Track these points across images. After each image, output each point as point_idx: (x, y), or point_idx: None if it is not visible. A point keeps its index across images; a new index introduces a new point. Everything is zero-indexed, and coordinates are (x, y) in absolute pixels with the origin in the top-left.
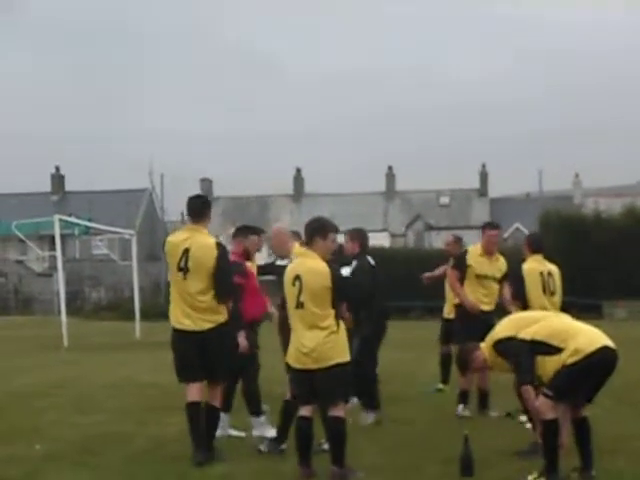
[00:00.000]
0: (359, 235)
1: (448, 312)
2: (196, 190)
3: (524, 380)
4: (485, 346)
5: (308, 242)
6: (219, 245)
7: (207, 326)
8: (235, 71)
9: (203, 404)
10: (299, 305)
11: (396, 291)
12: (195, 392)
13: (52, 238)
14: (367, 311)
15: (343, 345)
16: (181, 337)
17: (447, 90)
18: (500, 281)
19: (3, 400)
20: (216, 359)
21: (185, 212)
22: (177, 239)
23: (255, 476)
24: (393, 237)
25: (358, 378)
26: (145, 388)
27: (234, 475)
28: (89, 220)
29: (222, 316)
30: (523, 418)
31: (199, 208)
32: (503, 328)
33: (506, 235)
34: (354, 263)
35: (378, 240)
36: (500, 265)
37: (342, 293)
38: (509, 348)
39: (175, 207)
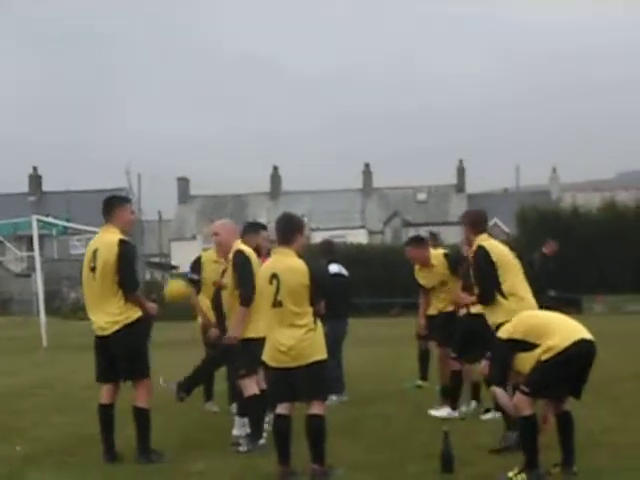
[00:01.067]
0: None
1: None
2: (173, 189)
3: (494, 380)
4: None
5: (287, 239)
6: (122, 242)
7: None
8: (210, 69)
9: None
10: (277, 304)
11: (374, 288)
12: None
13: (30, 238)
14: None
15: (321, 342)
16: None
17: (426, 87)
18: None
19: None
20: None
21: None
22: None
23: (234, 474)
24: (371, 234)
25: None
26: (125, 388)
27: (213, 472)
28: (67, 220)
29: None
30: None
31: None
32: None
33: None
34: None
35: (356, 237)
36: (439, 269)
37: (321, 290)
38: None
39: (152, 206)
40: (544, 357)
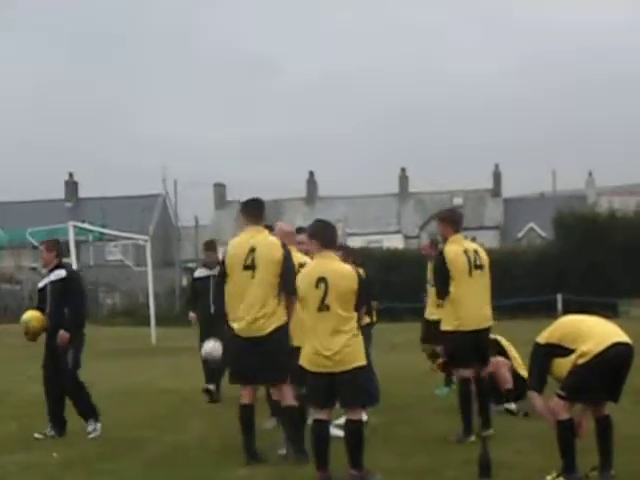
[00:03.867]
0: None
1: (430, 313)
2: (210, 195)
3: (532, 386)
4: None
5: (330, 244)
6: (284, 245)
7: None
8: (243, 76)
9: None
10: (323, 308)
11: (411, 292)
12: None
13: (66, 245)
14: None
15: (362, 348)
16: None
17: (458, 89)
18: None
19: (20, 407)
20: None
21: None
22: (241, 240)
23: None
24: (407, 239)
25: None
26: (163, 394)
27: (255, 478)
28: (103, 226)
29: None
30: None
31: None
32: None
33: (520, 235)
34: None
35: (392, 242)
36: None
37: (365, 296)
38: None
39: (189, 213)
40: (580, 361)
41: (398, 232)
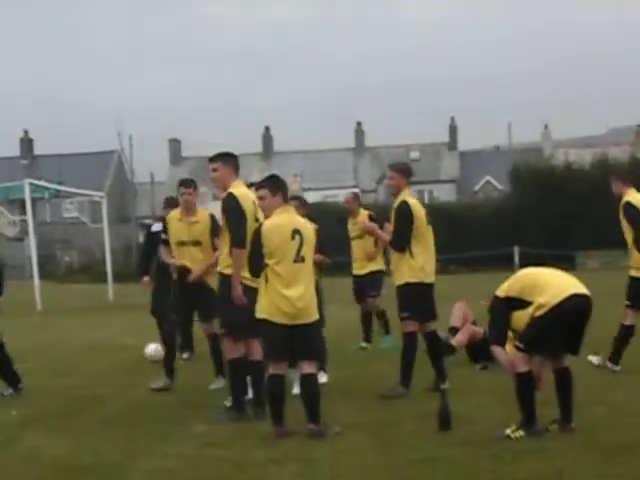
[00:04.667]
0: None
1: (358, 268)
2: (165, 151)
3: (494, 339)
4: None
5: (286, 198)
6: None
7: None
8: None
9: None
10: (299, 259)
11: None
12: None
13: (22, 202)
14: None
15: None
16: None
17: (413, 40)
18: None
19: None
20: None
21: None
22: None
23: (233, 436)
24: (364, 193)
25: None
26: (121, 351)
27: (212, 435)
28: (59, 183)
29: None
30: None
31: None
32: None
33: (477, 188)
34: None
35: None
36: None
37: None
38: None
39: (144, 168)
40: (537, 313)
41: (355, 186)
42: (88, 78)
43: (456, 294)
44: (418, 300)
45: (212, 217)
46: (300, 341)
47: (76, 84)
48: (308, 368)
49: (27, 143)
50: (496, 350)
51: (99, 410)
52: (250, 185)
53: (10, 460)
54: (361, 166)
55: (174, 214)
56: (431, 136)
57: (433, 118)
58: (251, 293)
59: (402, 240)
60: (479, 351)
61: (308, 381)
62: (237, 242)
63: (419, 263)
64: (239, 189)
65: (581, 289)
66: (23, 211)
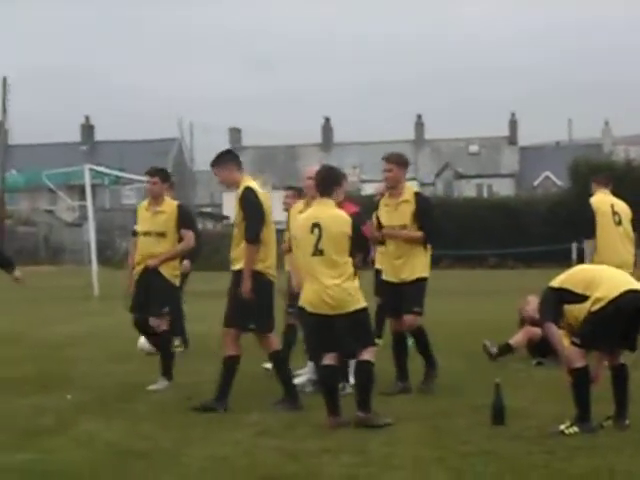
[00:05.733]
0: None
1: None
2: (225, 140)
3: (545, 318)
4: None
5: (327, 191)
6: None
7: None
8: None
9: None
10: (318, 252)
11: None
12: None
13: (82, 188)
14: None
15: (358, 291)
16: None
17: (477, 40)
18: None
19: (35, 350)
20: None
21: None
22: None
23: (287, 425)
24: (422, 186)
25: None
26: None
27: (266, 424)
28: (119, 170)
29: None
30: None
31: None
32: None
33: (536, 183)
34: None
35: None
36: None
37: (360, 242)
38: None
39: (204, 157)
40: (594, 308)
41: (413, 179)
42: (149, 65)
43: (514, 289)
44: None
45: (180, 208)
46: (340, 333)
47: (137, 71)
48: (362, 355)
49: (88, 129)
50: (549, 327)
51: (155, 396)
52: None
53: (65, 444)
54: (420, 159)
55: (143, 204)
56: (491, 130)
57: (493, 112)
58: (271, 287)
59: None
60: (536, 348)
61: (363, 367)
62: (251, 237)
63: (429, 258)
64: (252, 182)
65: (636, 285)
66: (82, 197)
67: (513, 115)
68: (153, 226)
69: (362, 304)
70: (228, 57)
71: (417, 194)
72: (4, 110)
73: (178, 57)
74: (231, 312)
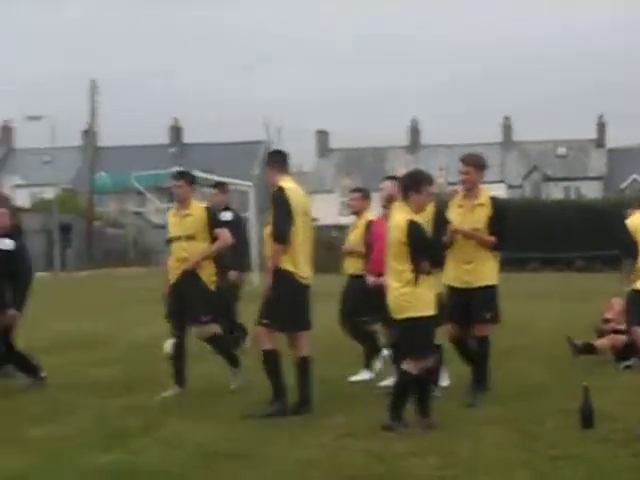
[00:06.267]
0: None
1: None
2: (312, 142)
3: (632, 322)
4: None
5: (404, 195)
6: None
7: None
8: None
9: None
10: (387, 256)
11: (513, 243)
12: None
13: (170, 190)
14: None
15: (417, 300)
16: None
17: (563, 40)
18: None
19: (123, 351)
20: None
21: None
22: (294, 186)
23: (373, 427)
24: (510, 188)
25: None
26: None
27: (351, 426)
28: (206, 172)
29: None
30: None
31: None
32: None
33: (624, 186)
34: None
35: (495, 191)
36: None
37: (419, 248)
38: None
39: (291, 159)
40: None
41: (501, 181)
42: (234, 67)
43: (601, 292)
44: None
45: (208, 209)
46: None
47: (224, 73)
48: (403, 365)
49: (176, 131)
50: (636, 331)
51: (242, 398)
52: (392, 178)
53: (152, 445)
54: (508, 161)
55: (172, 209)
56: (578, 132)
57: (581, 114)
58: (301, 288)
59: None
60: (622, 353)
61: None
62: (277, 237)
63: (497, 264)
64: (289, 183)
65: None
66: (171, 199)
67: (601, 117)
68: (182, 230)
69: (419, 313)
70: (315, 57)
71: (493, 198)
72: (93, 112)
73: (260, 58)
74: (260, 310)
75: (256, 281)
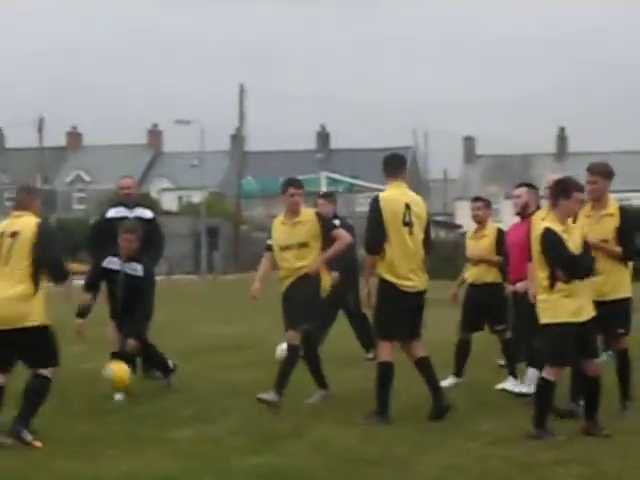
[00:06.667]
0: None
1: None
2: (459, 148)
3: None
4: None
5: (552, 204)
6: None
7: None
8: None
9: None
10: None
11: None
12: (390, 351)
13: (316, 195)
14: None
15: (553, 306)
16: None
17: None
18: None
19: (271, 353)
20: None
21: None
22: (394, 195)
23: (519, 435)
24: None
25: None
26: None
27: (498, 433)
28: (353, 178)
29: None
30: None
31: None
32: None
33: None
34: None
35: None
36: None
37: (550, 257)
38: None
39: (437, 166)
40: None
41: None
42: (383, 73)
43: None
44: None
45: (318, 214)
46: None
47: (371, 79)
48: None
49: (323, 137)
50: None
51: (393, 402)
52: (527, 185)
53: (300, 448)
54: None
55: (279, 218)
56: None
57: None
58: (405, 297)
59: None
60: None
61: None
62: (366, 246)
63: (629, 275)
64: (389, 191)
65: None
66: (316, 204)
67: None
68: (294, 238)
69: (554, 319)
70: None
71: (622, 208)
72: (242, 117)
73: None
74: (379, 320)
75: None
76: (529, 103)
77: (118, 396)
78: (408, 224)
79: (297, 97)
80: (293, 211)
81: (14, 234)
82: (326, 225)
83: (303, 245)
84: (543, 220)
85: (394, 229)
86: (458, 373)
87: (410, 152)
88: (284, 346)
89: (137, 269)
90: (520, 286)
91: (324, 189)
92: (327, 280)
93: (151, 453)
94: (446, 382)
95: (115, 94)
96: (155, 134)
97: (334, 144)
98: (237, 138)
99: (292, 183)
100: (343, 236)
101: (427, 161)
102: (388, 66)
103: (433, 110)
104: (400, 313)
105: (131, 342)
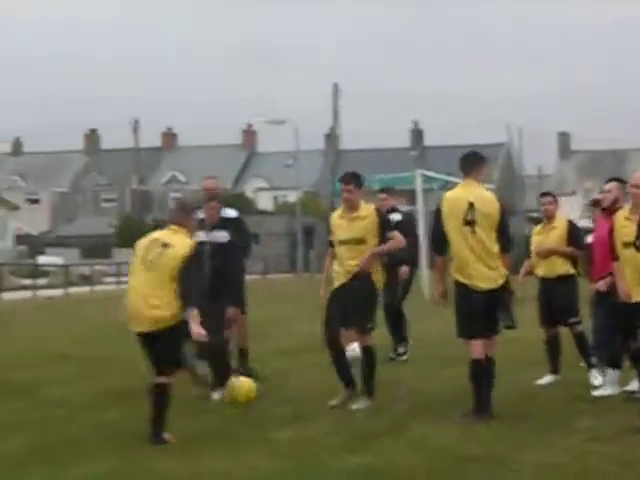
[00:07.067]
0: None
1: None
2: (553, 144)
3: None
4: None
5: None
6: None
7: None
8: None
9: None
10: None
11: None
12: (480, 349)
13: (410, 192)
14: None
15: None
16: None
17: None
18: None
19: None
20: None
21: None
22: (457, 194)
23: (618, 431)
24: None
25: None
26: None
27: (596, 430)
28: (448, 175)
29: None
30: None
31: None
32: None
33: None
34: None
35: None
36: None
37: None
38: None
39: (532, 162)
40: None
41: None
42: (474, 69)
43: None
44: None
45: (378, 211)
46: None
47: (465, 74)
48: None
49: (417, 134)
50: None
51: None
52: (617, 180)
53: (398, 447)
54: None
55: (337, 212)
56: None
57: None
58: (475, 296)
59: None
60: None
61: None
62: (430, 246)
63: None
64: (455, 190)
65: None
66: (411, 201)
67: None
68: (351, 233)
69: None
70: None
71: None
72: (335, 116)
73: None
74: (459, 321)
75: (425, 276)
76: (621, 97)
77: (216, 395)
78: (470, 223)
79: (390, 94)
80: (350, 206)
81: (166, 245)
82: (384, 224)
83: (360, 241)
84: (626, 219)
85: (454, 228)
86: (554, 370)
87: (504, 149)
88: (354, 346)
89: (224, 235)
90: (601, 284)
91: (419, 186)
92: (379, 277)
93: (250, 453)
94: (543, 380)
95: (209, 97)
96: (249, 134)
97: (428, 141)
98: (331, 137)
99: (341, 179)
100: (398, 238)
101: (522, 157)
102: (484, 62)
103: (526, 106)
104: (473, 312)
105: (231, 310)
